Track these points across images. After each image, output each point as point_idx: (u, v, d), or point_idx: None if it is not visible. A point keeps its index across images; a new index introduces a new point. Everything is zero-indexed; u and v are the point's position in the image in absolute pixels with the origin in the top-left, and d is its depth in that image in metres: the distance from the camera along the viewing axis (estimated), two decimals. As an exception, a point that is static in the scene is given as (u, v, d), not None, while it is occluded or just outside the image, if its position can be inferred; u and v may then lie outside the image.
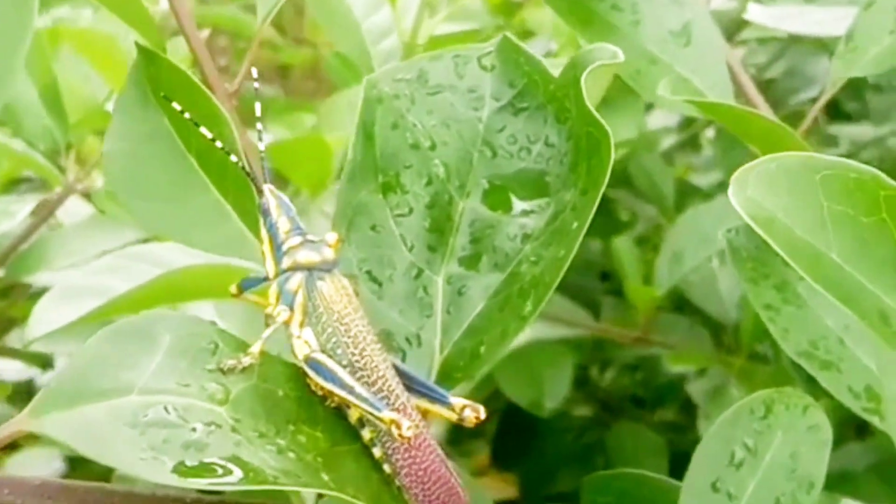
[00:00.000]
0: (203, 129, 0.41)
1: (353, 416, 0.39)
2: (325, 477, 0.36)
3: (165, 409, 0.35)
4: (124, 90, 0.46)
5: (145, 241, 0.65)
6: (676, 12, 0.58)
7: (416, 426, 0.37)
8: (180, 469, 0.34)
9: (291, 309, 0.39)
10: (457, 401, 0.39)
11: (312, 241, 0.40)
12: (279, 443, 0.36)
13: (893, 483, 0.73)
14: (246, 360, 0.37)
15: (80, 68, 0.74)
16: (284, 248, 0.40)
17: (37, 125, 0.73)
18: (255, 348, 0.37)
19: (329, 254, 0.40)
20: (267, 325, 0.39)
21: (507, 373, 0.82)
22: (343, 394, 0.38)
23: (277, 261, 0.40)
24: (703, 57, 0.57)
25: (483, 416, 0.39)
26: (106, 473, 0.53)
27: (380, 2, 0.66)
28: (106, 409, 0.34)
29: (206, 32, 0.76)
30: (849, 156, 0.54)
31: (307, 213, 0.75)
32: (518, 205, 0.44)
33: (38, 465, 0.72)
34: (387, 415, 0.37)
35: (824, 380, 0.50)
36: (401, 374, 0.39)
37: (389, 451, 0.38)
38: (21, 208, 0.74)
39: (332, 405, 0.39)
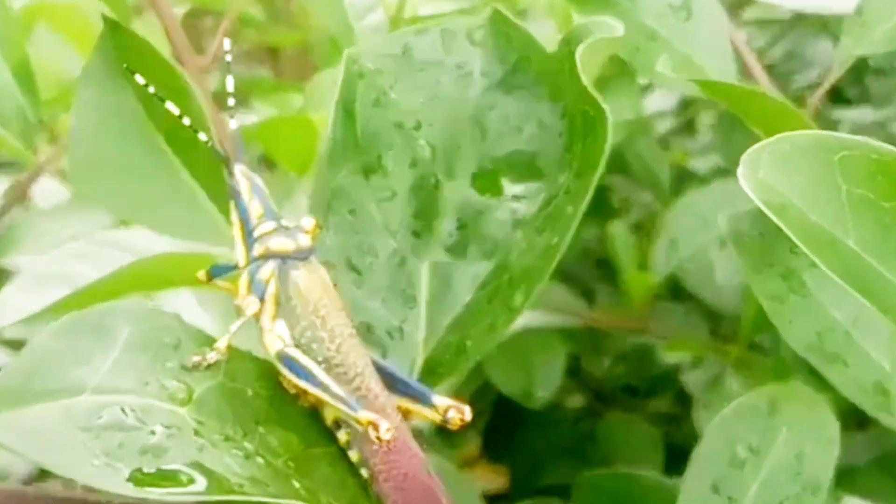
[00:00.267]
0: (169, 105, 0.38)
1: (329, 416, 0.35)
2: (297, 484, 0.32)
3: (122, 410, 0.32)
4: (90, 61, 0.43)
5: (123, 224, 0.61)
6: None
7: (396, 428, 0.34)
8: (136, 477, 0.30)
9: (262, 300, 0.36)
10: (441, 400, 0.36)
11: (287, 228, 0.37)
12: (247, 447, 0.32)
13: (896, 476, 0.70)
14: (211, 356, 0.34)
15: (53, 45, 0.71)
16: (256, 234, 0.37)
17: (10, 105, 0.70)
18: (222, 343, 0.34)
19: (304, 241, 0.37)
20: (238, 318, 0.36)
21: (498, 363, 0.78)
22: (318, 392, 0.34)
23: (248, 247, 0.37)
24: (705, 33, 0.53)
25: (468, 417, 0.35)
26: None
27: (364, -24, 0.63)
28: (55, 411, 0.31)
29: (180, 9, 0.72)
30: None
31: (291, 194, 0.72)
32: (509, 188, 0.41)
33: (16, 465, 0.68)
34: (364, 415, 0.34)
35: (831, 374, 0.47)
36: (381, 370, 0.36)
37: (367, 455, 0.35)
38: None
39: (306, 405, 0.35)
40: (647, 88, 0.91)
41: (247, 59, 1.25)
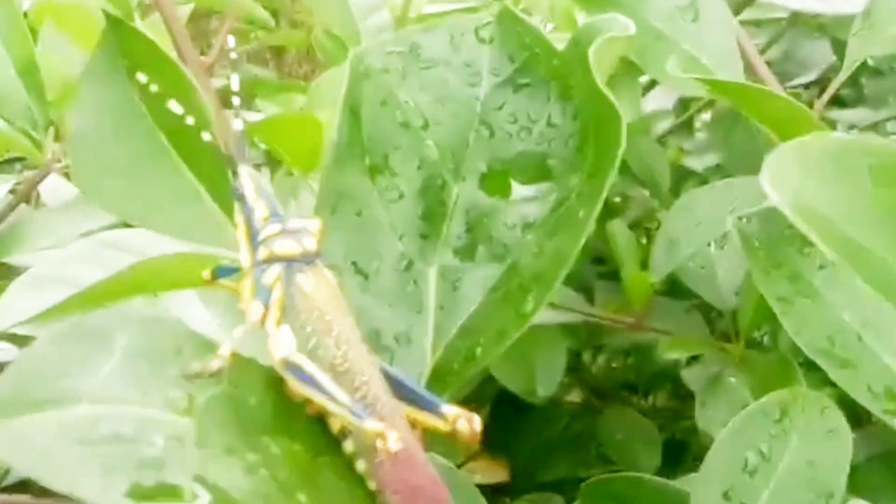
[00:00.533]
0: (173, 103, 0.35)
1: (335, 425, 0.33)
2: (302, 497, 0.30)
3: (120, 420, 0.29)
4: (92, 59, 0.41)
5: (126, 224, 0.59)
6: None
7: (404, 438, 0.32)
8: (134, 491, 0.28)
9: (267, 305, 0.33)
10: (450, 409, 0.33)
11: (292, 230, 0.34)
12: (250, 459, 0.30)
13: (896, 473, 0.68)
14: (214, 364, 0.31)
15: (60, 44, 0.68)
16: (261, 236, 0.34)
17: (18, 104, 0.67)
18: (225, 349, 0.32)
19: (310, 244, 0.34)
20: (243, 322, 0.33)
21: (500, 358, 0.76)
22: (323, 401, 0.32)
23: (253, 250, 0.34)
24: (711, 33, 0.51)
25: (478, 427, 0.33)
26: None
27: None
28: (50, 421, 0.28)
29: (186, 9, 0.70)
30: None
31: (297, 193, 0.70)
32: (518, 190, 0.38)
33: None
34: (371, 425, 0.31)
35: (840, 378, 0.44)
36: (388, 378, 0.34)
37: (374, 466, 0.33)
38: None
39: (312, 413, 0.33)
40: (646, 87, 0.89)
41: (251, 60, 1.23)
